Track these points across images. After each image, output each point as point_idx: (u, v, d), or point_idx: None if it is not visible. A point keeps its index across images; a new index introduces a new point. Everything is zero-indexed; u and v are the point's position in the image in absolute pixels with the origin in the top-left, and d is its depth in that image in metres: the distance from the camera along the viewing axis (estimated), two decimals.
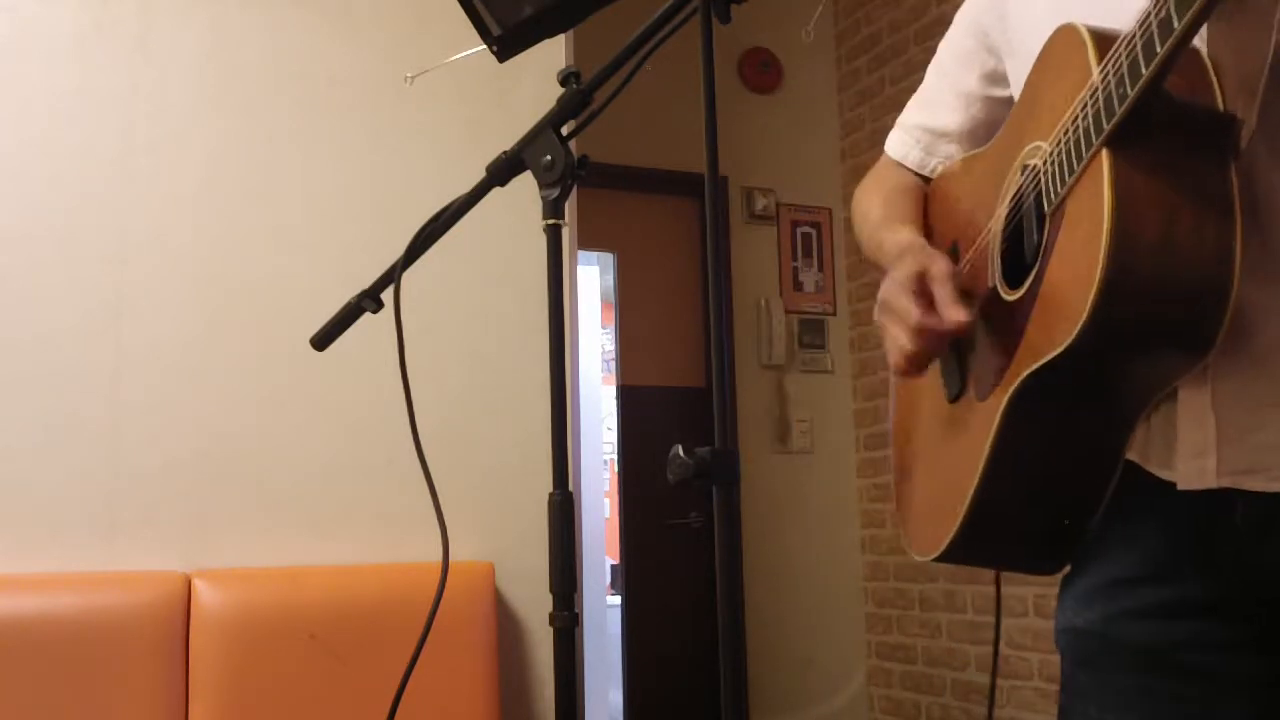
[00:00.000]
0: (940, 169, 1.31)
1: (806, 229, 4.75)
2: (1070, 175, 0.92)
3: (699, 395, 4.44)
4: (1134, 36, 0.83)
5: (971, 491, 1.04)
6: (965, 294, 1.10)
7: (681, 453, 0.96)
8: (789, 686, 4.36)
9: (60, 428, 2.37)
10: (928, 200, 1.30)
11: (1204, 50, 0.90)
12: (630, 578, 4.34)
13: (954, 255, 1.19)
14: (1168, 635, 0.99)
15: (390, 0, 2.77)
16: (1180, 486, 0.96)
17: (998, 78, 1.24)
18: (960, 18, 1.29)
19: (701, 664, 4.17)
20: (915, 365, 1.09)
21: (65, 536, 2.34)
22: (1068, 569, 1.12)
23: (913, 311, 1.06)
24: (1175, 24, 0.78)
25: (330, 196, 2.66)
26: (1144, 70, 0.83)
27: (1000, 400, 1.00)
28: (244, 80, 2.62)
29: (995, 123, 1.24)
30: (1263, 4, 0.87)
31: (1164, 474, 0.98)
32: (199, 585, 2.32)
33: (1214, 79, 0.89)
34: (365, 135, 2.70)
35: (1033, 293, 0.99)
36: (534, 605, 2.64)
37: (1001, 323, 1.05)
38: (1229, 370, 0.94)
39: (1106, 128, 0.87)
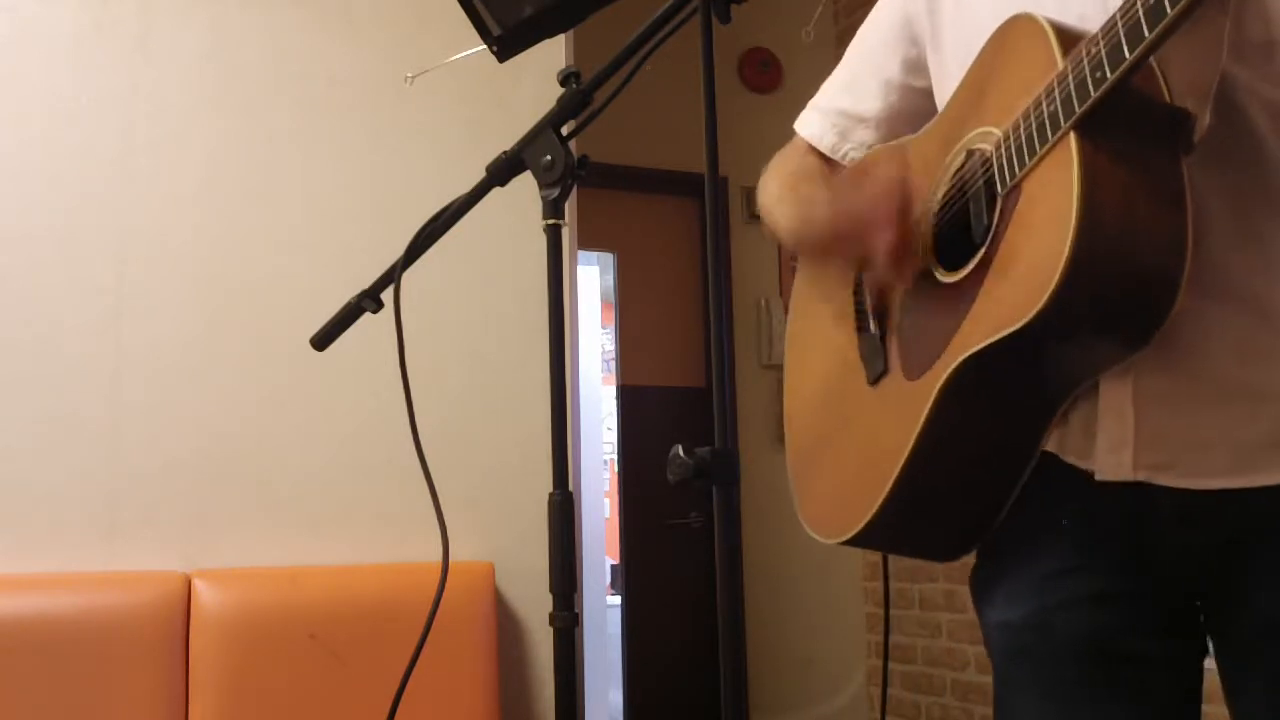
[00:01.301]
0: (853, 155, 1.29)
1: None
2: (1031, 157, 0.93)
3: (699, 395, 4.43)
4: (1115, 24, 0.85)
5: (897, 471, 1.04)
6: (889, 282, 1.12)
7: (681, 453, 0.97)
8: (789, 686, 4.36)
9: (60, 428, 2.37)
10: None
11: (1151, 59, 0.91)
12: (630, 578, 4.34)
13: None
14: (1101, 623, 1.02)
15: (390, 0, 2.77)
16: (1098, 477, 0.99)
17: (918, 67, 1.23)
18: (884, 2, 1.27)
19: (701, 664, 4.17)
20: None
21: (65, 536, 2.34)
22: (973, 562, 1.14)
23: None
24: (1168, 10, 0.80)
25: (330, 196, 2.66)
26: (1127, 55, 0.84)
27: (937, 379, 1.00)
28: (244, 80, 2.62)
29: (912, 113, 1.24)
30: (1215, 20, 0.89)
31: (1082, 464, 1.01)
32: (199, 585, 2.32)
33: (1161, 82, 0.90)
34: (365, 135, 2.70)
35: (980, 272, 0.99)
36: (534, 605, 2.64)
37: (936, 304, 1.06)
38: (1151, 368, 0.96)
39: (1079, 110, 0.87)
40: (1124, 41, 0.84)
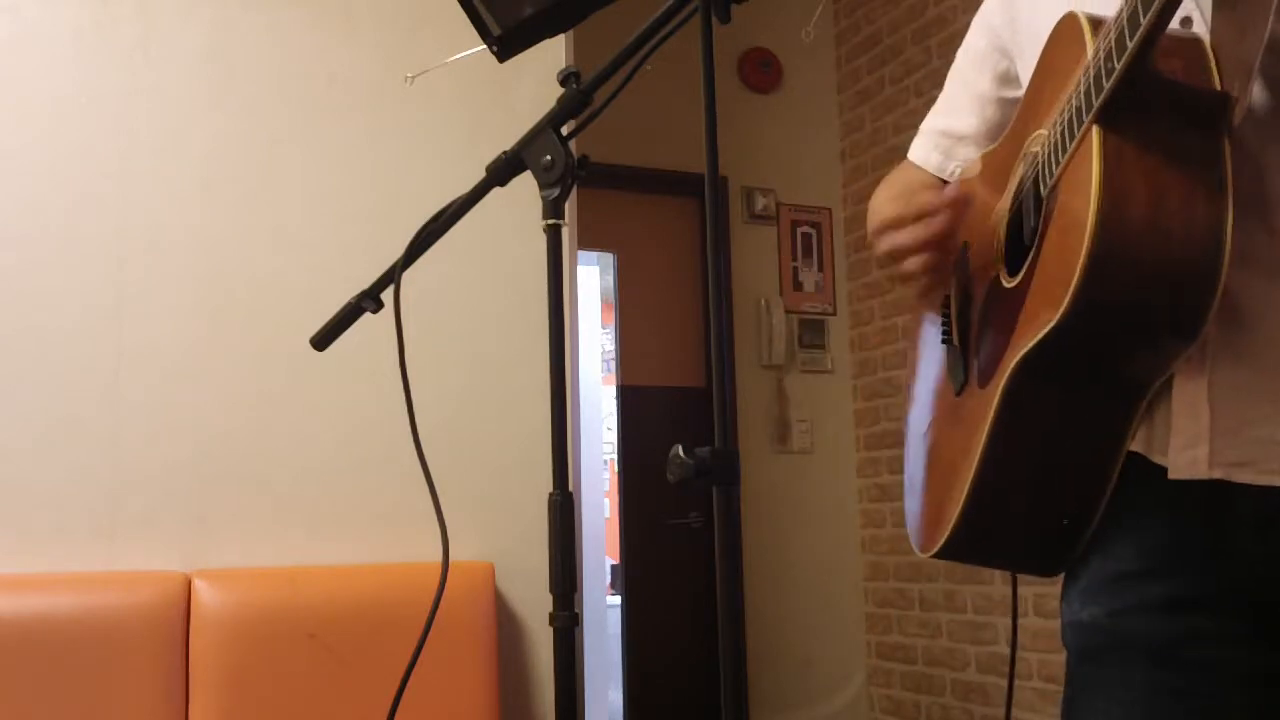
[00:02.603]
0: (958, 172, 1.31)
1: (806, 229, 4.75)
2: (1064, 155, 0.93)
3: (699, 395, 4.44)
4: (1120, 12, 0.85)
5: (969, 480, 1.04)
6: (973, 285, 1.13)
7: (681, 453, 0.96)
8: (789, 686, 4.36)
9: (60, 428, 2.37)
10: None
11: (1206, 38, 0.91)
12: (630, 578, 4.34)
13: (964, 253, 1.19)
14: (1171, 630, 0.99)
15: (390, 0, 2.77)
16: (1170, 475, 0.97)
17: (1010, 79, 1.25)
18: (975, 21, 1.30)
19: (701, 664, 4.18)
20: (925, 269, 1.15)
21: (65, 536, 2.34)
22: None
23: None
24: None
25: (330, 196, 2.66)
26: (1129, 42, 0.84)
27: (998, 385, 1.00)
28: (244, 80, 2.62)
29: (1010, 124, 1.25)
30: None
31: (1158, 460, 0.99)
32: (199, 585, 2.32)
33: (1213, 63, 0.90)
34: (365, 135, 2.70)
35: (1029, 276, 0.99)
36: (534, 605, 2.64)
37: (1002, 310, 1.06)
38: (1227, 361, 0.94)
39: (1096, 103, 0.87)
40: (1126, 29, 0.84)
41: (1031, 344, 0.94)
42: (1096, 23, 0.94)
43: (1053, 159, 0.96)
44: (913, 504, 1.29)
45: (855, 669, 4.52)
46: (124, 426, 2.41)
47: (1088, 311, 0.87)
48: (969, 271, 1.19)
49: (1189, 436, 0.96)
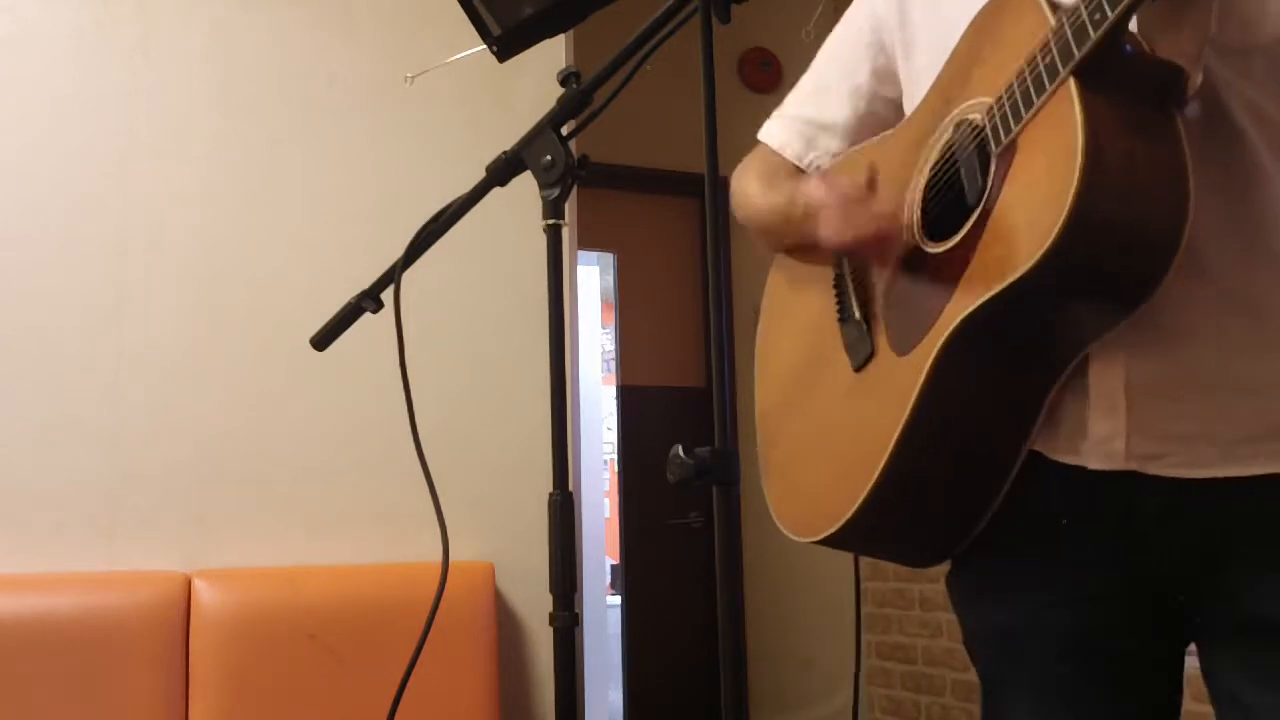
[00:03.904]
0: (819, 162, 1.29)
1: None
2: (1028, 110, 0.93)
3: (699, 395, 4.43)
4: None
5: (889, 451, 1.02)
6: (873, 264, 1.13)
7: (681, 453, 0.96)
8: (789, 686, 4.36)
9: (60, 428, 2.37)
10: None
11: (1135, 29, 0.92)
12: (630, 578, 4.34)
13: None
14: (1091, 621, 1.02)
15: (390, 0, 2.77)
16: (1091, 467, 0.99)
17: (887, 76, 1.24)
18: (855, 10, 1.28)
19: (701, 664, 4.17)
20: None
21: (65, 536, 2.34)
22: (946, 570, 1.14)
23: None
24: None
25: (330, 196, 2.66)
26: (1110, 11, 0.84)
27: (931, 348, 0.99)
28: (244, 80, 2.62)
29: (878, 122, 1.25)
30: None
31: (1071, 459, 1.01)
32: (199, 585, 2.32)
33: (1146, 46, 0.91)
34: (365, 135, 2.70)
35: (975, 235, 0.98)
36: (534, 605, 2.64)
37: (927, 277, 1.05)
38: (1142, 357, 0.96)
39: (1078, 54, 0.88)
40: None
41: (985, 298, 0.93)
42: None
43: (1010, 118, 0.95)
44: (785, 488, 1.26)
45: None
46: (124, 426, 2.41)
47: (1064, 255, 0.87)
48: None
49: (1107, 430, 0.98)
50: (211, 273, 2.53)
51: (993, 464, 1.03)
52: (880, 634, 4.47)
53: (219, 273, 2.53)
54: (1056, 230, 0.86)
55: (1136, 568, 1.01)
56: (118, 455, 2.40)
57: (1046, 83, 0.91)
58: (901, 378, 1.04)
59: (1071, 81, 0.88)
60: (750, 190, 1.32)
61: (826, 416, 1.20)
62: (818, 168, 1.29)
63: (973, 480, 1.04)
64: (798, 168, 1.32)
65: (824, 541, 1.12)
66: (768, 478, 1.29)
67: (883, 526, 1.10)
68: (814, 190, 1.16)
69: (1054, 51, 0.90)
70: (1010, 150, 0.96)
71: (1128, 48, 0.89)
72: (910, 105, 1.19)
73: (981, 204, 0.98)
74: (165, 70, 2.55)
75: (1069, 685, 1.03)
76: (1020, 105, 0.94)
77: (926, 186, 1.08)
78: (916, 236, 1.08)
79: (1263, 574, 0.95)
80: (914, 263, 1.08)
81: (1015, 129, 0.95)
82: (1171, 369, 0.96)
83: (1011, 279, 0.91)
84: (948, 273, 1.00)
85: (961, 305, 0.97)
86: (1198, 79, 0.90)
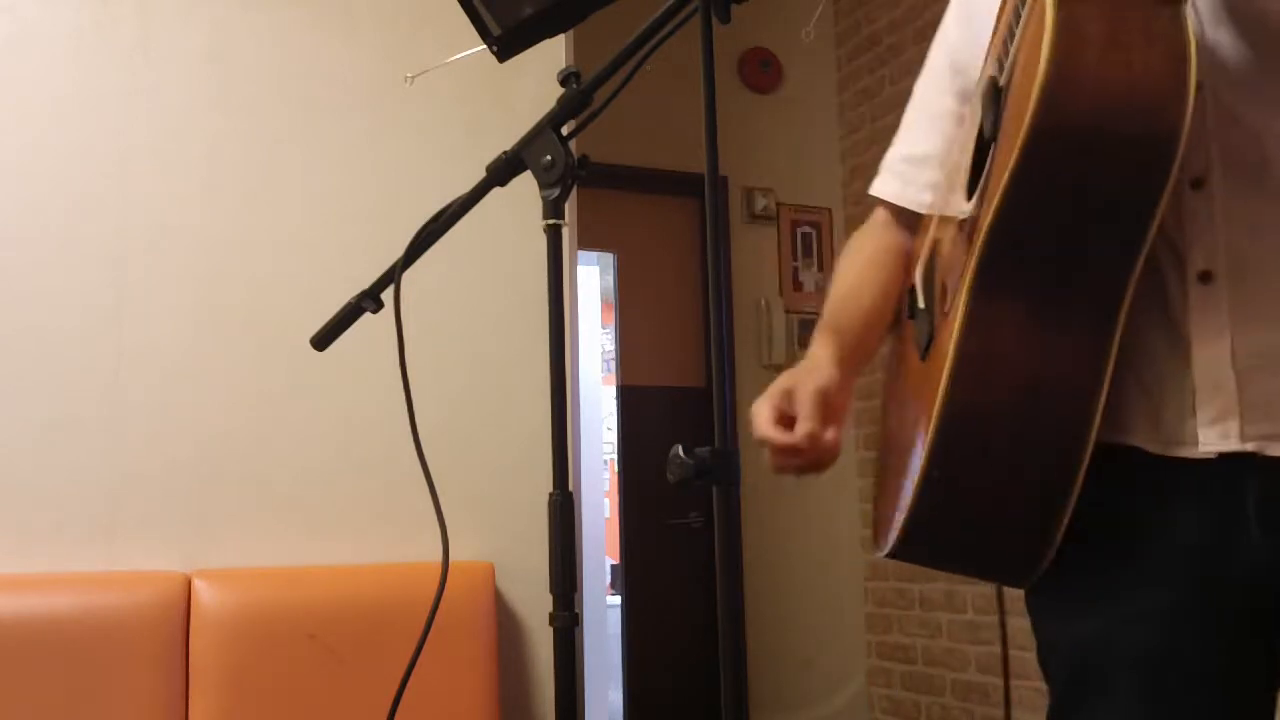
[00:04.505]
0: (919, 198, 1.25)
1: (806, 229, 4.75)
2: (1019, 28, 0.91)
3: (699, 395, 4.43)
4: None
5: (932, 431, 0.93)
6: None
7: (681, 453, 0.96)
8: (789, 686, 4.36)
9: (60, 428, 2.36)
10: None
11: None
12: (630, 578, 4.34)
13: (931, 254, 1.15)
14: (1169, 640, 0.95)
15: (390, 0, 2.77)
16: (1201, 450, 0.92)
17: (969, 96, 1.21)
18: (936, 46, 1.27)
19: (701, 664, 4.17)
20: (780, 469, 1.09)
21: (65, 536, 2.34)
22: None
23: (758, 424, 1.09)
24: None
25: (330, 196, 2.66)
26: None
27: (959, 304, 0.92)
28: (244, 80, 2.62)
29: None
30: None
31: (1176, 451, 0.94)
32: (199, 585, 2.32)
33: None
34: (365, 135, 2.70)
35: (987, 179, 0.94)
36: (534, 605, 2.64)
37: (963, 239, 0.99)
38: (1248, 328, 0.91)
39: None
40: None
41: (984, 234, 0.88)
42: None
43: (1006, 49, 0.94)
44: (875, 498, 1.21)
45: (855, 669, 4.52)
46: (124, 426, 2.41)
47: (1044, 150, 0.83)
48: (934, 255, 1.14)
49: (1218, 410, 0.92)
50: (211, 273, 2.53)
51: (1056, 456, 0.91)
52: (880, 634, 4.47)
53: (219, 273, 2.53)
54: (1029, 117, 0.82)
55: (1225, 586, 0.94)
56: (118, 455, 2.40)
57: (1022, 10, 0.89)
58: (942, 349, 0.96)
59: None
60: (834, 287, 1.28)
61: (899, 417, 1.14)
62: (918, 203, 1.25)
63: (1032, 479, 0.93)
64: (903, 210, 1.27)
65: (891, 556, 1.03)
66: (874, 489, 1.24)
67: (941, 531, 0.99)
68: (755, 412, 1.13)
69: None
70: (1012, 72, 0.93)
71: None
72: None
73: (993, 139, 0.95)
74: (165, 70, 2.55)
75: (1141, 704, 0.96)
76: (1009, 41, 0.93)
77: (974, 151, 1.03)
78: (964, 205, 1.03)
79: None
80: (958, 235, 1.03)
81: (1012, 53, 0.92)
82: (1278, 337, 0.90)
83: (1003, 187, 0.86)
84: (972, 229, 0.95)
85: (973, 253, 0.91)
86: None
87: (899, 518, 1.00)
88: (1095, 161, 0.85)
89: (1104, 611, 0.98)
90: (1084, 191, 0.87)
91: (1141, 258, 0.88)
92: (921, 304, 1.11)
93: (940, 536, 1.00)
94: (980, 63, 1.12)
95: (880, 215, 1.31)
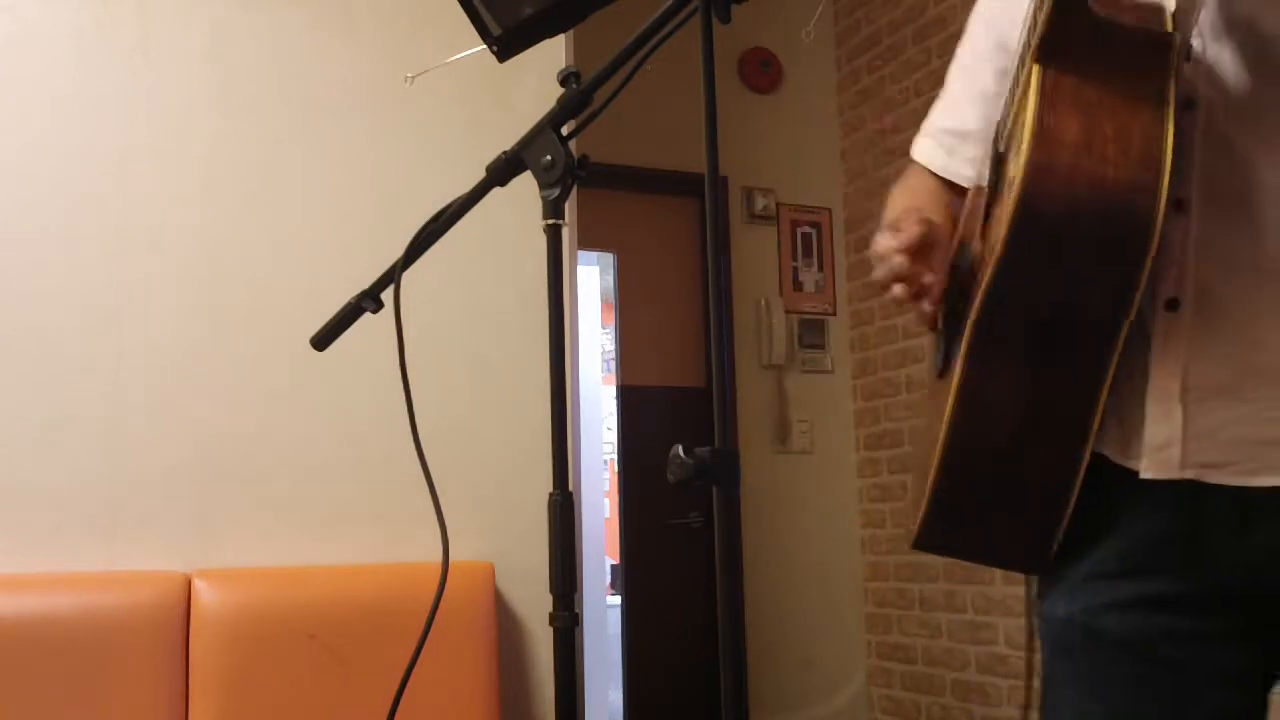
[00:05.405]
0: (962, 172, 1.29)
1: (806, 229, 4.75)
2: (1013, 106, 0.94)
3: (699, 395, 4.43)
4: None
5: (939, 448, 1.01)
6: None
7: (681, 453, 0.96)
8: (789, 686, 4.36)
9: (60, 428, 2.36)
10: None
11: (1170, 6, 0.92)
12: (630, 578, 4.34)
13: (964, 249, 1.19)
14: (1145, 628, 0.99)
15: (390, 0, 2.77)
16: (1142, 475, 0.97)
17: (1007, 75, 1.24)
18: (977, 15, 1.28)
19: (701, 664, 4.17)
20: (906, 295, 1.11)
21: (65, 536, 2.34)
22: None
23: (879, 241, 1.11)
24: None
25: (330, 196, 2.66)
26: None
27: (963, 347, 0.99)
28: (244, 80, 2.62)
29: None
30: None
31: (1128, 463, 0.98)
32: (199, 585, 2.32)
33: (1168, 16, 0.91)
34: (365, 135, 2.70)
35: (987, 230, 1.00)
36: (534, 605, 2.64)
37: (975, 274, 1.05)
38: (1202, 361, 0.93)
39: (1033, 43, 0.89)
40: None
41: (982, 296, 0.93)
42: None
43: (1009, 114, 0.96)
44: (910, 506, 1.28)
45: (855, 669, 4.52)
46: (124, 426, 2.41)
47: (1026, 239, 0.88)
48: (963, 262, 1.19)
49: (1162, 437, 0.96)
50: (211, 273, 2.53)
51: (1053, 457, 0.99)
52: (880, 634, 4.47)
53: (219, 273, 2.53)
54: (1011, 214, 0.87)
55: (1205, 578, 0.96)
56: (118, 455, 2.40)
57: (1019, 73, 0.92)
58: (948, 382, 1.03)
59: (1033, 68, 0.89)
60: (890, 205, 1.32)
61: (923, 429, 1.21)
62: (960, 176, 1.28)
63: (1033, 474, 1.00)
64: (944, 180, 1.30)
65: (916, 546, 1.11)
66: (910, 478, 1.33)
67: (959, 528, 1.07)
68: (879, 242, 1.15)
69: (1024, 41, 0.91)
70: (1010, 138, 0.96)
71: (1092, 8, 0.89)
72: None
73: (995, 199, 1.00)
74: (165, 70, 2.55)
75: (1116, 687, 1.00)
76: (1010, 100, 0.96)
77: (986, 196, 1.08)
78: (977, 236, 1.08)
79: None
80: (973, 263, 1.08)
81: (1011, 117, 0.95)
82: (1231, 374, 0.93)
83: (991, 273, 0.91)
84: (980, 265, 1.01)
85: (975, 301, 0.97)
86: (1195, 18, 0.88)
87: (919, 513, 1.09)
88: (1070, 261, 0.91)
89: (1086, 598, 1.03)
90: (1066, 281, 0.93)
91: (1129, 312, 0.93)
92: (940, 324, 1.17)
93: (955, 528, 1.09)
94: (1019, 31, 1.16)
95: (917, 168, 1.34)
